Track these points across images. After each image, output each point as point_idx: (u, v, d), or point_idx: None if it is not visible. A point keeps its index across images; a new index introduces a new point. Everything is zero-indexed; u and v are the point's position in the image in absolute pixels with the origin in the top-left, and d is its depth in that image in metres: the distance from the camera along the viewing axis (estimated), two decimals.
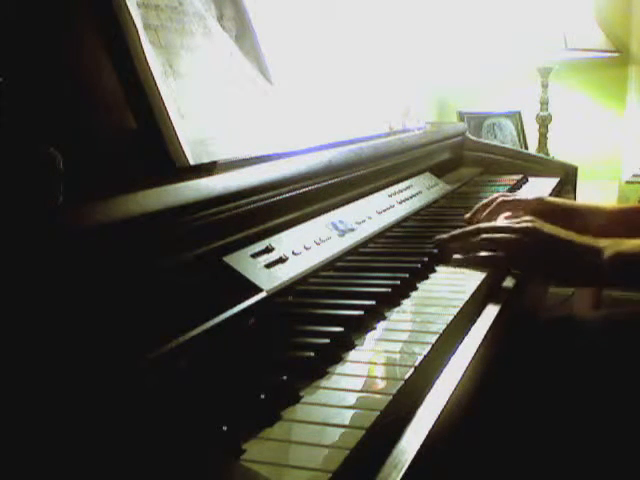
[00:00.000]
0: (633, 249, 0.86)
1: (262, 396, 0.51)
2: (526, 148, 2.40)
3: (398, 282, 0.79)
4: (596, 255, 0.86)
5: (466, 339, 0.71)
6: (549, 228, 0.91)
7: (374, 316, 0.71)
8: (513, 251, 0.90)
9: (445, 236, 0.95)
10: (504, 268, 0.91)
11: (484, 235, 0.92)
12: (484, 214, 1.10)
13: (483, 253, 0.92)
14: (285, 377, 0.54)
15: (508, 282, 0.91)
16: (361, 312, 0.69)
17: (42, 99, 0.67)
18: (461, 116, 2.48)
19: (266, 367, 0.59)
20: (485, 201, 1.16)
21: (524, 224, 0.90)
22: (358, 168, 1.09)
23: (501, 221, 1.00)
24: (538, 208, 1.11)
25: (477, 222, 1.07)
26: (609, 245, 0.87)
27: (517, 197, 1.19)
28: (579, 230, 0.92)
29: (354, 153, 1.09)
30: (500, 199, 1.14)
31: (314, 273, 0.83)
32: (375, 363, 0.61)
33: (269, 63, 1.01)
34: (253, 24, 1.00)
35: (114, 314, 0.58)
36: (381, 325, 0.70)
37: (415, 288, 0.81)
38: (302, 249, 0.85)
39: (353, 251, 0.95)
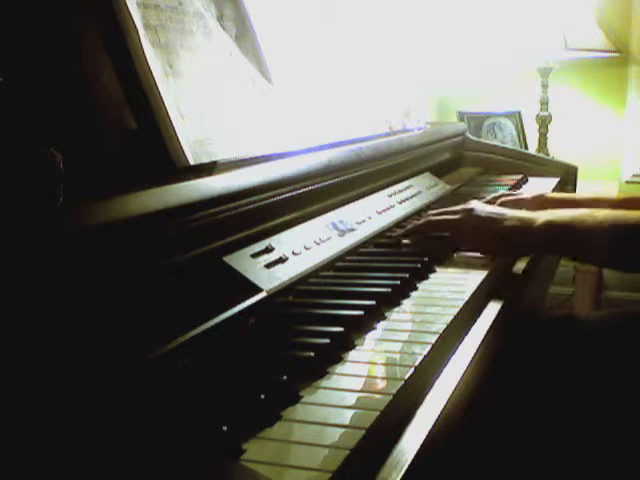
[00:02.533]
0: (563, 218, 0.90)
1: (262, 396, 0.51)
2: (526, 148, 2.40)
3: (398, 282, 0.79)
4: (528, 225, 0.91)
5: (466, 339, 0.71)
6: (486, 207, 0.98)
7: (374, 316, 0.71)
8: (452, 231, 0.97)
9: (400, 231, 1.02)
10: (448, 249, 0.97)
11: (429, 219, 1.00)
12: None
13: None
14: (285, 377, 0.54)
15: (509, 282, 0.92)
16: (361, 312, 0.69)
17: (42, 99, 0.67)
18: (461, 116, 2.48)
19: (266, 367, 0.59)
20: (489, 197, 1.18)
21: (462, 206, 0.99)
22: (358, 168, 1.09)
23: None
24: (540, 204, 1.12)
25: None
26: (542, 215, 0.92)
27: (519, 195, 1.20)
28: None
29: (354, 153, 1.09)
30: (502, 198, 1.15)
31: (314, 273, 0.83)
32: (375, 363, 0.61)
33: (269, 63, 1.01)
34: (253, 24, 1.00)
35: (114, 314, 0.58)
36: (381, 325, 0.70)
37: (415, 288, 0.81)
38: (302, 249, 0.85)
39: (353, 251, 0.95)
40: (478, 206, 0.98)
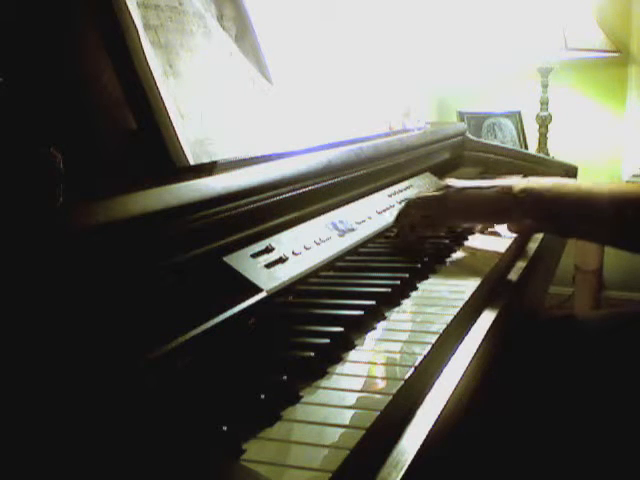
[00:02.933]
0: (543, 184, 0.91)
1: (262, 396, 0.51)
2: (526, 148, 2.40)
3: (398, 282, 0.79)
4: (507, 191, 0.92)
5: (466, 339, 0.71)
6: (464, 181, 1.00)
7: (374, 316, 0.71)
8: (436, 209, 0.99)
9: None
10: (438, 227, 1.01)
11: (410, 200, 1.02)
12: None
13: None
14: (285, 377, 0.54)
15: (508, 282, 0.92)
16: (361, 312, 0.69)
17: (42, 99, 0.67)
18: (461, 116, 2.48)
19: (266, 367, 0.59)
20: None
21: (439, 186, 1.02)
22: (358, 168, 1.09)
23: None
24: None
25: None
26: (521, 181, 0.94)
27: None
28: None
29: (354, 153, 1.09)
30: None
31: (314, 273, 0.83)
32: (375, 363, 0.61)
33: (269, 63, 1.01)
34: (253, 24, 1.00)
35: (114, 314, 0.58)
36: (381, 325, 0.70)
37: (415, 288, 0.81)
38: (302, 249, 0.85)
39: (353, 251, 0.95)
40: (456, 182, 1.00)
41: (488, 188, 0.95)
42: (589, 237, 1.08)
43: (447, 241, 1.00)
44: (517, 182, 0.94)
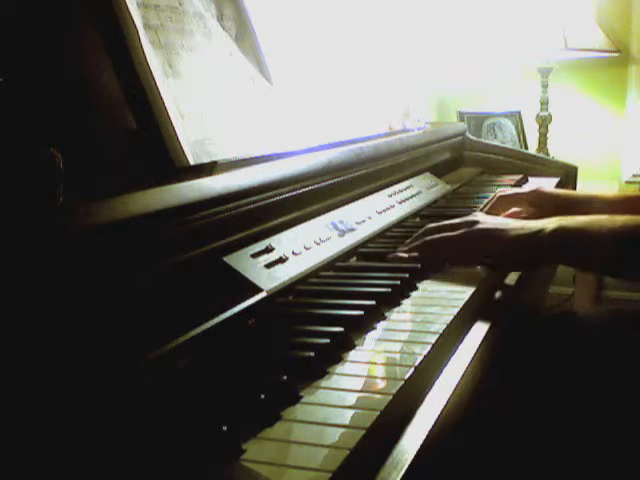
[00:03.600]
0: (577, 223, 0.83)
1: (262, 396, 0.51)
2: (526, 148, 2.40)
3: (398, 282, 0.79)
4: (537, 232, 0.83)
5: (466, 339, 0.71)
6: (491, 218, 0.91)
7: (374, 316, 0.71)
8: (454, 249, 0.89)
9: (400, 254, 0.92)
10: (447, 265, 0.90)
11: (427, 239, 0.90)
12: (485, 209, 1.12)
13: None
14: (285, 377, 0.54)
15: (509, 282, 0.92)
16: (361, 312, 0.69)
17: (42, 99, 0.67)
18: (461, 116, 2.48)
19: (266, 367, 0.59)
20: (486, 202, 1.18)
21: (465, 219, 0.90)
22: (358, 168, 1.09)
23: (449, 221, 0.96)
24: (536, 200, 1.11)
25: None
26: (553, 221, 0.84)
27: (515, 191, 1.20)
28: None
29: (354, 153, 1.09)
30: (498, 194, 1.15)
31: (314, 273, 0.83)
32: (375, 363, 0.61)
33: (269, 63, 1.01)
34: (253, 24, 1.00)
35: (114, 314, 0.58)
36: (381, 325, 0.70)
37: (415, 288, 0.81)
38: (302, 249, 0.85)
39: (353, 251, 0.94)
40: (482, 218, 0.90)
41: (514, 229, 0.85)
42: (627, 277, 1.01)
43: None
44: (546, 222, 0.85)
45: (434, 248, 0.90)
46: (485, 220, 0.90)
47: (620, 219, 0.81)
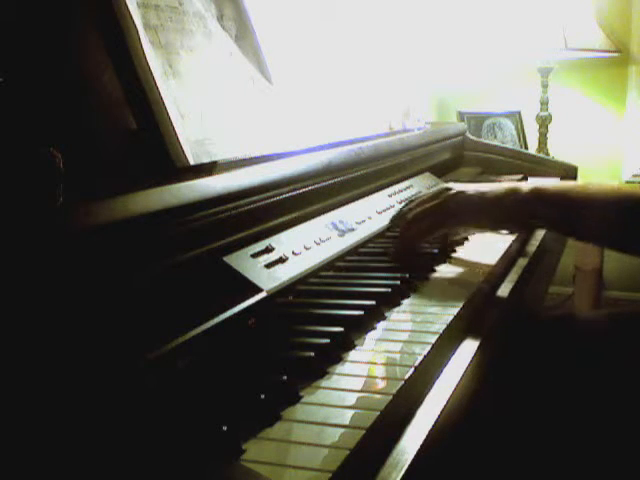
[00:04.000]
0: (553, 186, 0.90)
1: (262, 396, 0.51)
2: (526, 148, 2.40)
3: (398, 282, 0.79)
4: (513, 193, 0.89)
5: (466, 339, 0.71)
6: (465, 184, 0.96)
7: (374, 316, 0.71)
8: (439, 215, 0.92)
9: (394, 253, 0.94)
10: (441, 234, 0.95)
11: (410, 215, 0.93)
12: None
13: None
14: (285, 377, 0.54)
15: (508, 282, 0.92)
16: (361, 312, 0.69)
17: (42, 99, 0.67)
18: (461, 116, 2.48)
19: (266, 367, 0.59)
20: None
21: (437, 189, 0.95)
22: (358, 168, 1.09)
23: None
24: None
25: None
26: (527, 183, 0.91)
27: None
28: None
29: (354, 153, 1.09)
30: None
31: (314, 273, 0.83)
32: (375, 363, 0.61)
33: (269, 63, 1.01)
34: (253, 24, 1.00)
35: (114, 314, 0.58)
36: (381, 325, 0.70)
37: (415, 288, 0.81)
38: (302, 249, 0.85)
39: (353, 251, 0.94)
40: (453, 185, 0.95)
41: (491, 189, 0.92)
42: (594, 239, 1.05)
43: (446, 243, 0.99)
44: (522, 183, 0.91)
45: (418, 221, 0.92)
46: (458, 186, 0.95)
47: (595, 185, 0.86)
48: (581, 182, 0.89)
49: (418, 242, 0.93)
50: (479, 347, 0.69)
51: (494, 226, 0.97)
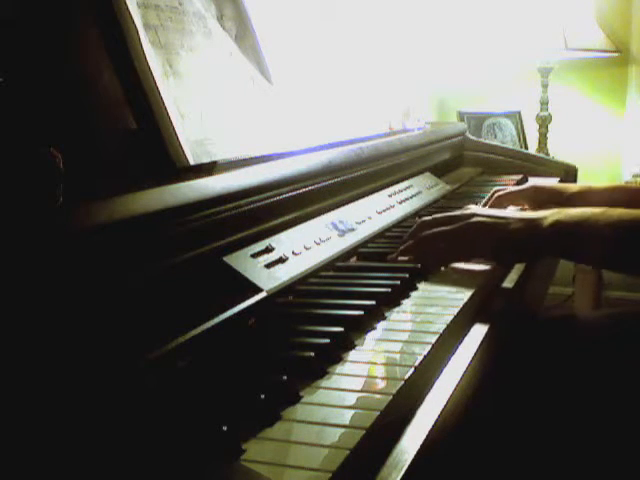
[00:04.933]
0: (572, 216, 0.84)
1: (262, 396, 0.51)
2: (526, 148, 2.40)
3: (398, 282, 0.79)
4: (535, 226, 0.84)
5: (466, 339, 0.71)
6: (487, 210, 0.91)
7: (374, 316, 0.71)
8: (453, 242, 0.88)
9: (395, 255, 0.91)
10: (449, 261, 0.90)
11: (425, 234, 0.89)
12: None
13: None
14: (285, 377, 0.54)
15: (508, 282, 0.92)
16: (361, 312, 0.69)
17: (42, 99, 0.67)
18: (461, 116, 2.48)
19: (266, 367, 0.59)
20: (485, 200, 1.18)
21: (461, 212, 0.90)
22: (358, 168, 1.09)
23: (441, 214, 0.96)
24: (533, 195, 1.12)
25: None
26: (550, 214, 0.85)
27: (511, 189, 1.20)
28: None
29: (354, 153, 1.09)
30: (496, 194, 1.15)
31: (314, 273, 0.83)
32: (375, 363, 0.61)
33: (269, 63, 1.01)
34: (253, 24, 1.00)
35: (114, 314, 0.58)
36: (381, 325, 0.70)
37: (415, 288, 0.81)
38: (302, 249, 0.85)
39: (353, 251, 0.94)
40: (479, 211, 0.90)
41: (512, 222, 0.85)
42: (621, 269, 1.00)
43: None
44: (544, 215, 0.85)
45: (431, 243, 0.88)
46: (481, 212, 0.89)
47: (615, 212, 0.81)
48: (601, 210, 0.82)
49: (429, 264, 0.88)
50: (479, 348, 0.69)
51: (511, 261, 0.92)
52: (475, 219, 0.87)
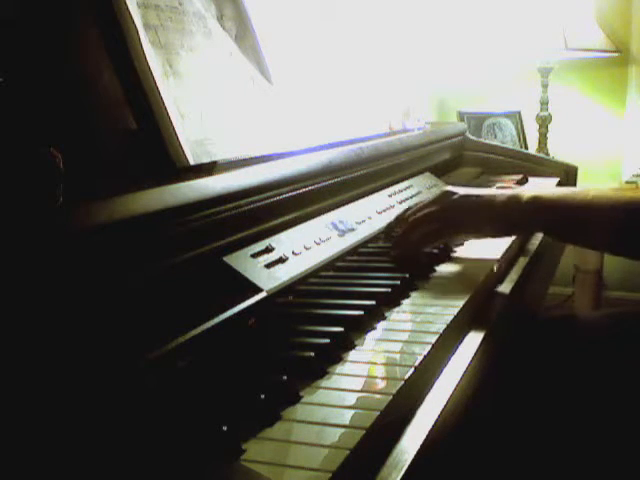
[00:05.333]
0: (552, 193, 0.88)
1: (262, 396, 0.51)
2: (526, 148, 2.40)
3: (398, 282, 0.79)
4: (515, 201, 0.88)
5: (466, 339, 0.71)
6: (466, 189, 0.95)
7: (374, 316, 0.71)
8: (439, 222, 0.92)
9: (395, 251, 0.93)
10: (440, 241, 0.94)
11: (411, 219, 0.93)
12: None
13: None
14: (285, 377, 0.54)
15: (508, 282, 0.92)
16: (361, 312, 0.69)
17: (42, 99, 0.67)
18: (461, 116, 2.48)
19: (266, 367, 0.59)
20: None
21: (438, 194, 0.95)
22: (358, 168, 1.09)
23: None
24: None
25: None
26: (527, 190, 0.90)
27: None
28: None
29: (354, 153, 1.09)
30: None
31: (314, 273, 0.83)
32: (375, 363, 0.61)
33: (269, 63, 1.01)
34: (253, 24, 1.00)
35: (114, 314, 0.58)
36: (381, 325, 0.70)
37: (415, 288, 0.81)
38: (302, 249, 0.85)
39: (353, 251, 0.94)
40: (457, 189, 0.94)
41: (493, 197, 0.91)
42: (595, 245, 1.04)
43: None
44: (523, 191, 0.90)
45: (419, 225, 0.92)
46: (459, 190, 0.93)
47: (594, 191, 0.85)
48: (581, 188, 0.87)
49: (417, 248, 0.92)
50: (479, 347, 0.69)
51: (494, 235, 0.95)
52: (455, 196, 0.92)
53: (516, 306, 0.92)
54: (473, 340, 0.71)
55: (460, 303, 0.75)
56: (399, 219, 0.98)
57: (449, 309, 0.73)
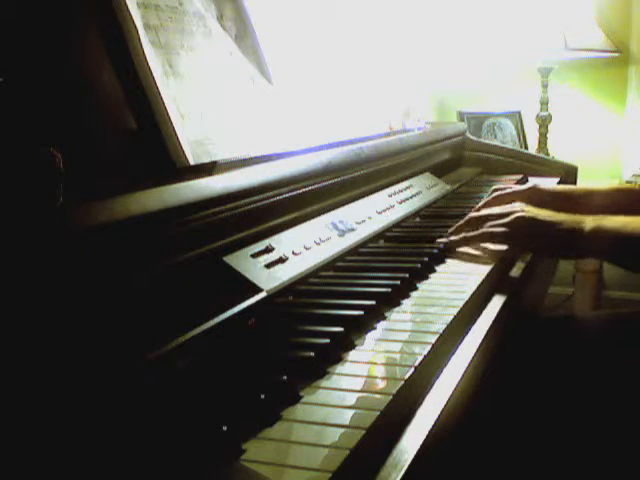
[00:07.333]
0: (614, 224, 0.90)
1: (262, 396, 0.51)
2: (526, 148, 2.40)
3: (398, 282, 0.79)
4: (578, 229, 0.90)
5: (466, 339, 0.71)
6: (537, 210, 0.96)
7: (374, 316, 0.71)
8: (506, 237, 0.94)
9: (453, 238, 0.99)
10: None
11: (485, 231, 0.96)
12: (480, 207, 1.11)
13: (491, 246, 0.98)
14: (285, 377, 0.54)
15: (509, 282, 0.92)
16: (361, 312, 0.69)
17: (42, 99, 0.67)
18: (461, 116, 2.48)
19: (266, 367, 0.59)
20: (487, 198, 1.18)
21: (510, 209, 0.97)
22: (358, 168, 1.09)
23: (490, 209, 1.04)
24: (533, 196, 1.12)
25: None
26: (592, 219, 0.91)
27: (511, 188, 1.20)
28: (578, 213, 0.95)
29: (354, 153, 1.09)
30: (496, 193, 1.15)
31: (314, 273, 0.83)
32: (375, 363, 0.61)
33: (269, 63, 1.01)
34: (253, 24, 1.00)
35: (114, 314, 0.58)
36: (381, 325, 0.70)
37: (415, 288, 0.81)
38: (302, 249, 0.85)
39: (353, 251, 0.94)
40: (527, 209, 0.96)
41: (560, 224, 0.91)
42: None
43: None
44: (587, 219, 0.90)
45: (485, 237, 0.96)
46: (530, 209, 0.96)
47: None
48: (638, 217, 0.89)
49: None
50: (479, 347, 0.69)
51: (552, 256, 1.00)
52: (525, 216, 0.94)
53: (516, 306, 0.92)
54: (473, 340, 0.71)
55: (460, 303, 0.75)
56: (463, 225, 1.01)
57: (449, 309, 0.73)
